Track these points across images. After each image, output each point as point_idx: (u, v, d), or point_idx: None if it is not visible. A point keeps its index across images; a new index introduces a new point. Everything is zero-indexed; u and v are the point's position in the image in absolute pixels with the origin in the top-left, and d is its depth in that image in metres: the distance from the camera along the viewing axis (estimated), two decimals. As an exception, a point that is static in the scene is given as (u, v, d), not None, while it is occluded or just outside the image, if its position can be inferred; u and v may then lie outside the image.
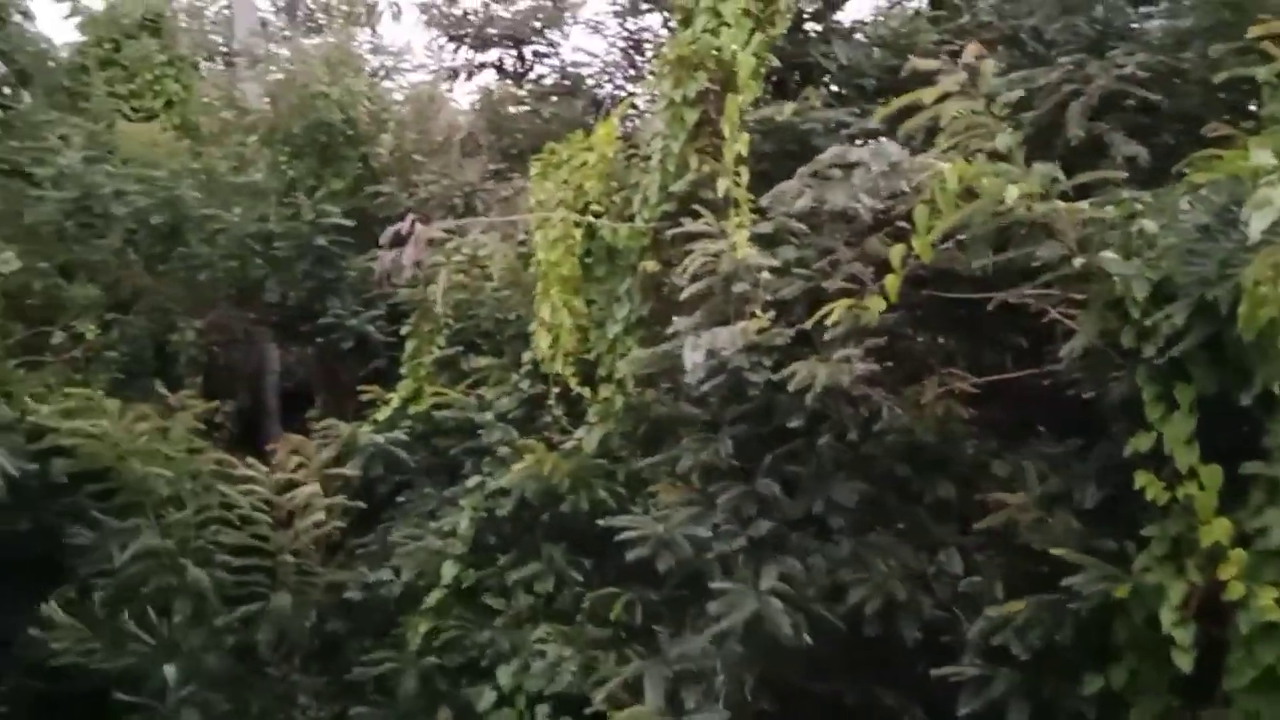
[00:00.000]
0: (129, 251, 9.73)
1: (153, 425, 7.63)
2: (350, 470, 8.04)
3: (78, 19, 13.81)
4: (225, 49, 14.66)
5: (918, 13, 9.30)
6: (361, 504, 8.01)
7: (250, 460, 7.87)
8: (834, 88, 8.67)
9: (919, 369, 5.95)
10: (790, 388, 5.37)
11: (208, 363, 10.47)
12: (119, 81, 13.06)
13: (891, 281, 4.90)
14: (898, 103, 5.19)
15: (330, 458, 8.05)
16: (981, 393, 5.70)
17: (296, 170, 10.26)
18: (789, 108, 7.32)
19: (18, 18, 12.84)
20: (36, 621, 7.53)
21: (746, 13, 6.57)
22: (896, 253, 4.86)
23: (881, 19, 9.28)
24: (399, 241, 6.68)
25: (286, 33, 15.79)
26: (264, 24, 15.86)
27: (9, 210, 10.12)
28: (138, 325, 9.96)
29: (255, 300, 10.11)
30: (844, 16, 9.08)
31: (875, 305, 5.10)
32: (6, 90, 12.64)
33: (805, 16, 8.66)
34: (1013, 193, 4.53)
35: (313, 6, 15.24)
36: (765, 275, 5.84)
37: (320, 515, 7.62)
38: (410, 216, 6.80)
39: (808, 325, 5.44)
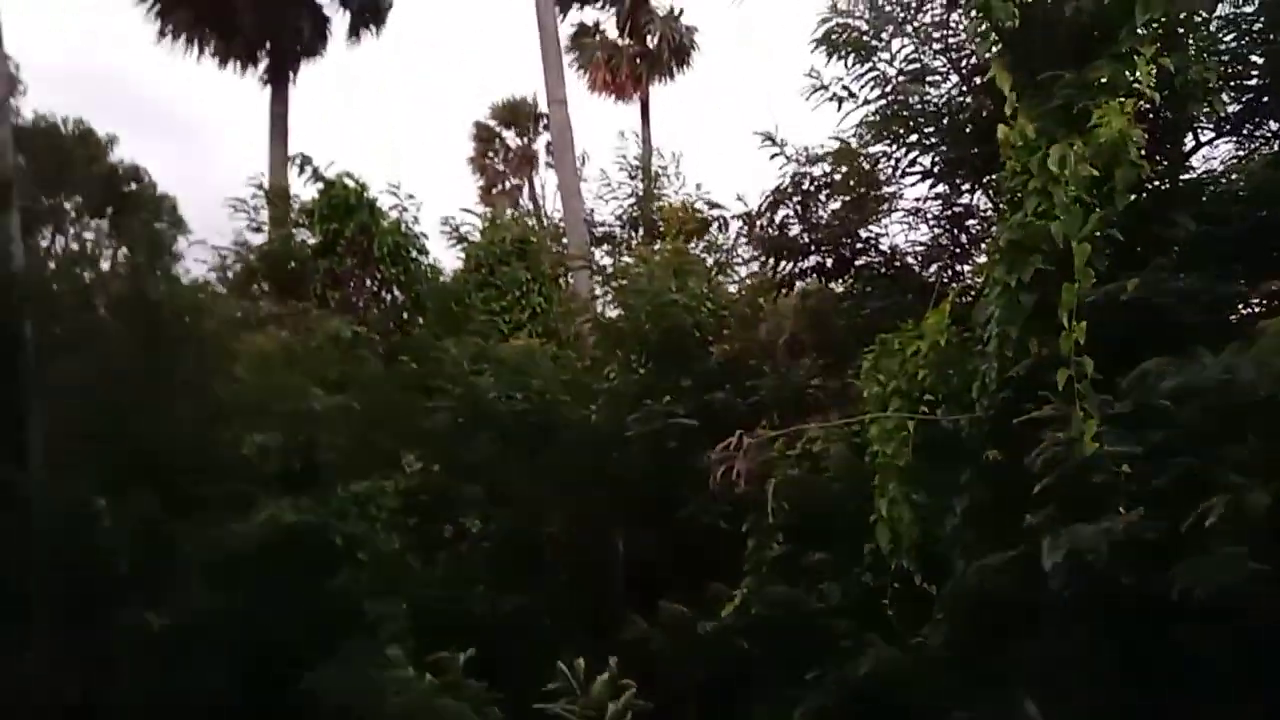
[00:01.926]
0: (508, 453, 10.86)
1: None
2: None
3: (460, 248, 16.24)
4: (578, 264, 16.36)
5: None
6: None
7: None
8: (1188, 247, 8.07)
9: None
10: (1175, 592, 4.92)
11: (570, 550, 11.25)
12: (493, 300, 15.03)
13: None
14: None
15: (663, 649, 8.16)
16: None
17: (649, 371, 11.06)
18: (1132, 284, 6.91)
19: (415, 254, 15.30)
20: None
21: (1079, 200, 6.40)
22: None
23: (1237, 171, 8.60)
24: (729, 456, 6.97)
25: (628, 240, 17.46)
26: (611, 237, 17.66)
27: (409, 419, 11.75)
28: (511, 517, 10.96)
29: (613, 492, 10.82)
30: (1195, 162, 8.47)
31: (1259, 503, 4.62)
32: (405, 315, 14.93)
33: (1150, 178, 8.19)
34: None
35: (654, 216, 16.73)
36: (1126, 467, 5.49)
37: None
38: (738, 432, 7.07)
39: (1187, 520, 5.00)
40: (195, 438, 11.88)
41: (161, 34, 19.75)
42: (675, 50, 25.18)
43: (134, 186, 17.98)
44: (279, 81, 20.31)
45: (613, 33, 25.65)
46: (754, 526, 8.35)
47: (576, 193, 17.79)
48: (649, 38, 25.03)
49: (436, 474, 11.10)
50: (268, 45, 20.15)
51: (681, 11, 25.52)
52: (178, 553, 9.80)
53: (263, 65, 20.27)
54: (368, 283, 15.07)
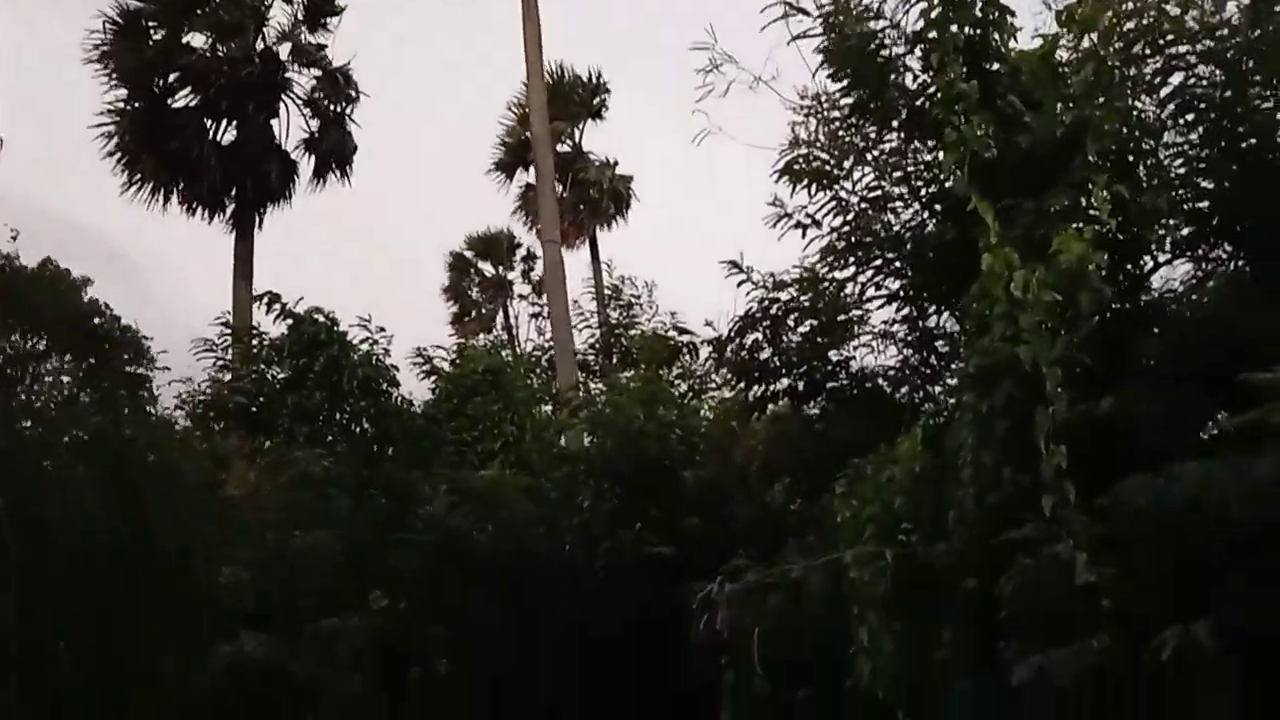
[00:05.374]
0: (478, 590, 10.53)
1: None
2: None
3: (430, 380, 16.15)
4: (553, 392, 16.30)
5: (1239, 282, 8.59)
6: None
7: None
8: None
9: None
10: None
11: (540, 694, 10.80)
12: (463, 430, 14.81)
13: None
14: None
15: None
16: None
17: (622, 500, 10.83)
18: (1105, 404, 6.89)
19: (386, 386, 15.13)
20: None
21: (1044, 325, 6.44)
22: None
23: (1195, 291, 8.73)
24: (710, 605, 6.78)
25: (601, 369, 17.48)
26: (584, 365, 17.68)
27: (377, 555, 11.42)
28: (482, 659, 10.55)
29: (584, 629, 10.46)
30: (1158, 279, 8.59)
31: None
32: (375, 449, 14.66)
33: (1111, 305, 8.25)
34: None
35: (627, 345, 16.81)
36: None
37: None
38: (719, 578, 6.90)
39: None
40: (165, 573, 11.57)
41: (128, 184, 20.08)
42: (614, 197, 26.69)
43: (101, 324, 17.83)
44: (244, 226, 20.60)
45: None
46: (734, 664, 8.07)
47: (567, 325, 17.91)
48: (590, 189, 26.35)
49: (404, 611, 10.71)
50: (233, 191, 20.47)
51: (616, 162, 27.27)
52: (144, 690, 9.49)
53: (229, 210, 20.57)
54: (337, 417, 14.85)
